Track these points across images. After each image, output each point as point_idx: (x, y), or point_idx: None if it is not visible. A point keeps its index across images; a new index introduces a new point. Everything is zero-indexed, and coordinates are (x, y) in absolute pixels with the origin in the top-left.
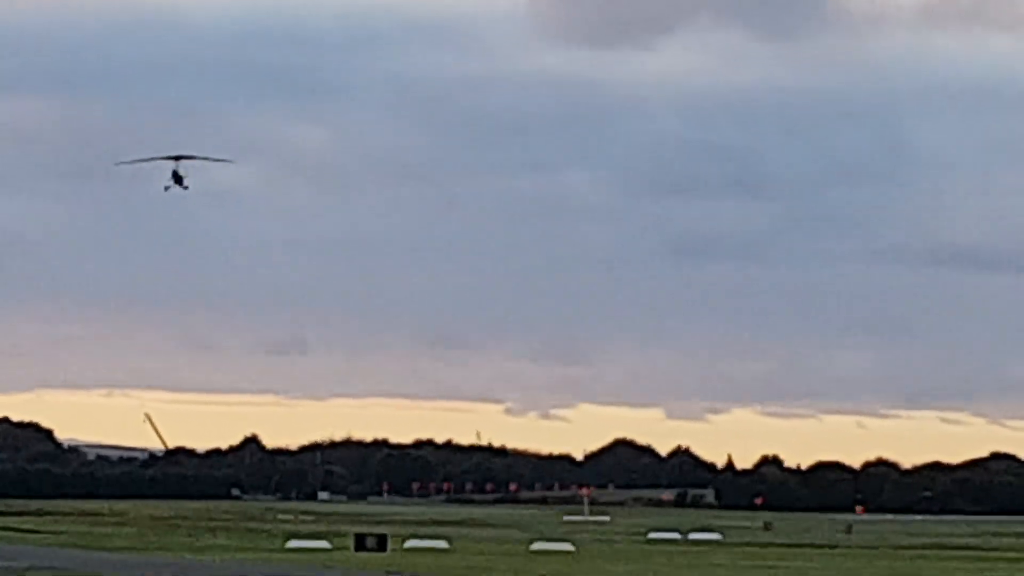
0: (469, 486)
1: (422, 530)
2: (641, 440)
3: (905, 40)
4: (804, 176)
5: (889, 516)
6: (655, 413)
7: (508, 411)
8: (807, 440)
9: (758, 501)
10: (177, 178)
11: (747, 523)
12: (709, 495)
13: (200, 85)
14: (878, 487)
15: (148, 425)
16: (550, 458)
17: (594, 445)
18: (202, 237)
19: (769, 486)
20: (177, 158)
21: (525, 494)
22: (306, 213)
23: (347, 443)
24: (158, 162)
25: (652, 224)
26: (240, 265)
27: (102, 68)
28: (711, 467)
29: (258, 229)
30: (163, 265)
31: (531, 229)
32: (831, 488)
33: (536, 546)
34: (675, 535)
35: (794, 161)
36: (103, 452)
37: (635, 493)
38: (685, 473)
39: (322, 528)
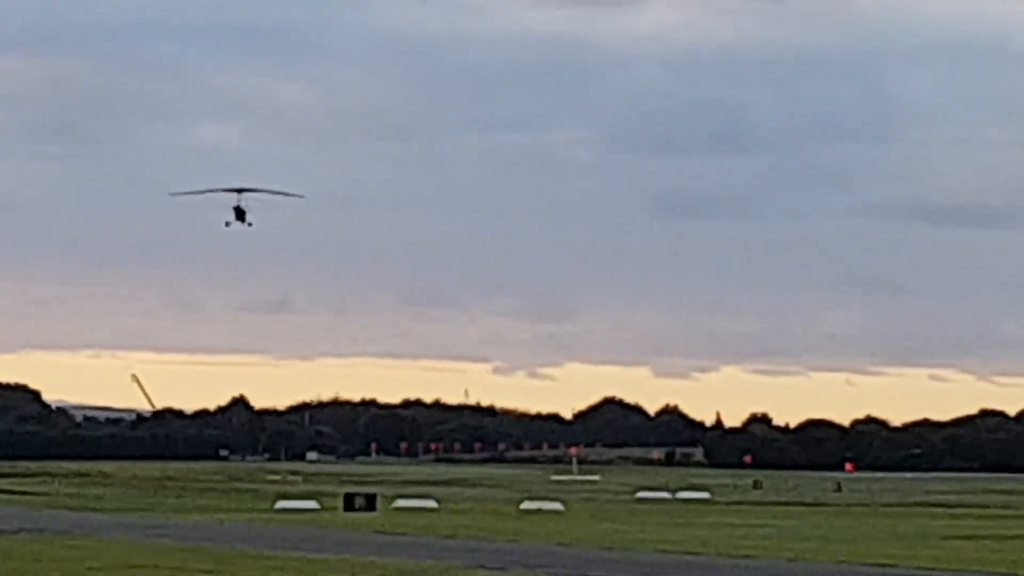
0: (457, 446)
1: (411, 490)
2: (629, 399)
3: None
4: (791, 132)
5: (879, 474)
6: (643, 371)
7: (496, 370)
8: (796, 398)
9: (747, 459)
10: (239, 214)
11: (736, 482)
12: (698, 454)
13: (184, 43)
14: (867, 445)
15: (136, 386)
16: (538, 417)
17: (582, 404)
18: (182, 205)
19: (758, 444)
20: (239, 191)
21: (513, 453)
22: (290, 170)
23: (335, 403)
24: (216, 195)
25: (638, 180)
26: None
27: (86, 27)
28: (700, 425)
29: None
30: (149, 225)
31: (517, 186)
32: (820, 446)
33: (525, 505)
34: (664, 494)
35: (781, 117)
36: (91, 413)
37: (624, 452)
38: (674, 432)
39: (311, 488)
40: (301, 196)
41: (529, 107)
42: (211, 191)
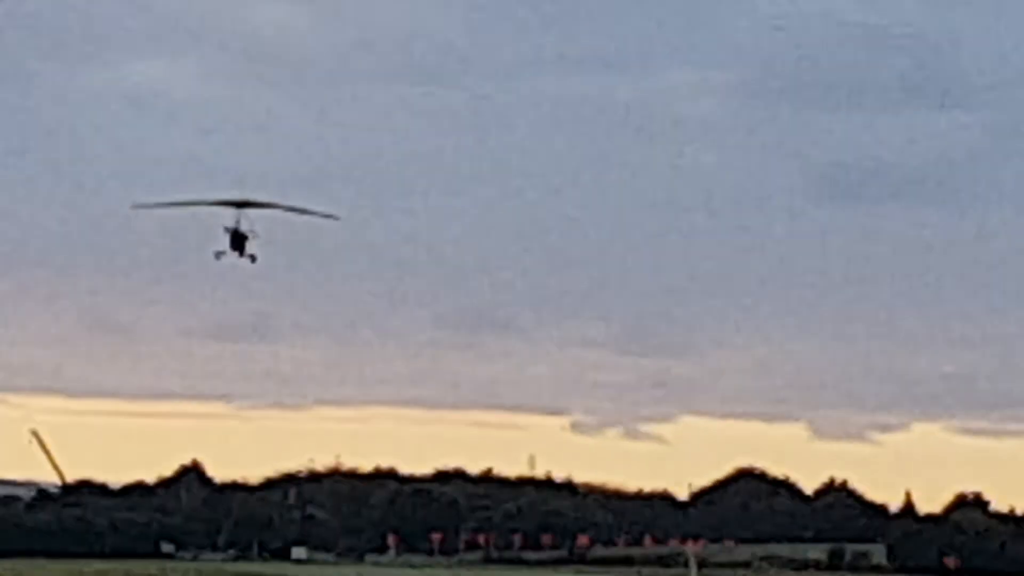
0: (517, 538)
1: None
2: (775, 471)
3: None
4: (1016, 79)
5: None
6: (796, 430)
7: (575, 427)
8: None
9: (951, 563)
10: (237, 240)
11: None
12: (878, 553)
13: None
14: None
15: (36, 447)
16: (639, 497)
17: (704, 478)
18: (115, 166)
19: (968, 541)
20: (240, 205)
21: (600, 551)
22: (268, 126)
23: (334, 474)
24: (202, 208)
25: (789, 147)
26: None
27: None
28: (881, 511)
29: (197, 150)
30: (57, 211)
31: (607, 155)
32: None
33: None
34: None
35: (1003, 58)
36: None
37: (767, 549)
38: (842, 521)
39: None
40: (335, 217)
41: (625, 39)
42: (194, 203)
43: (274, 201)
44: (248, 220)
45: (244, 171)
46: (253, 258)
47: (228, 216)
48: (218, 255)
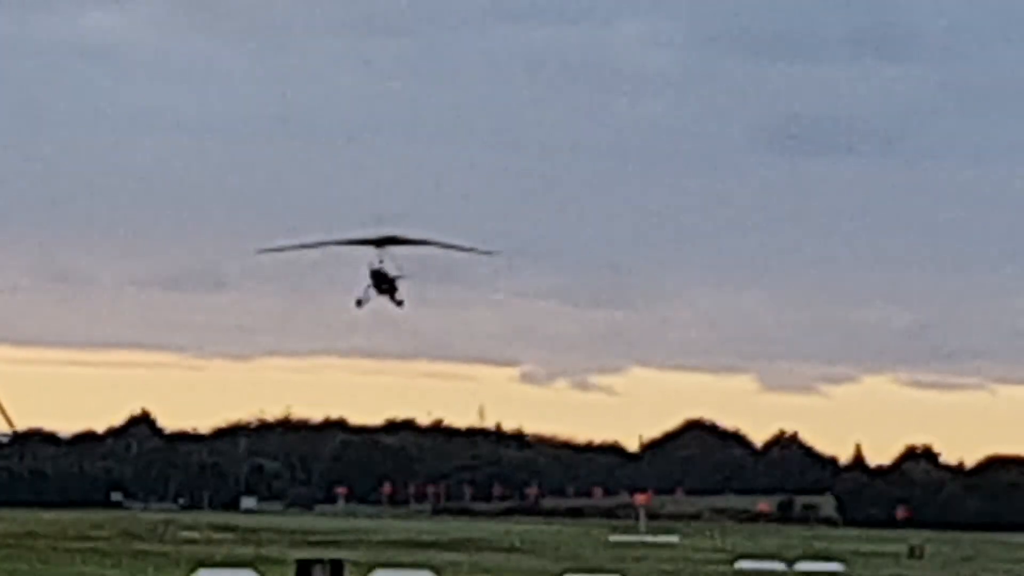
0: (468, 490)
1: (397, 556)
2: (725, 423)
3: None
4: (969, 32)
5: None
6: (745, 382)
7: (525, 377)
8: (974, 424)
9: (901, 514)
10: (383, 282)
11: (885, 548)
12: (827, 505)
13: None
14: None
15: None
16: (589, 449)
17: (654, 430)
18: (64, 116)
19: (918, 492)
20: (379, 243)
21: (550, 502)
22: (217, 77)
23: (284, 425)
24: (333, 248)
25: (740, 99)
26: (120, 157)
27: None
28: (830, 463)
29: (146, 102)
30: (4, 161)
31: (558, 104)
32: (1010, 495)
33: None
34: (777, 565)
35: (955, 10)
36: None
37: (717, 502)
38: (791, 472)
39: (247, 551)
40: (496, 253)
41: None
42: (327, 243)
43: (426, 237)
44: (393, 259)
45: (192, 121)
46: (400, 303)
47: (365, 256)
48: (360, 303)
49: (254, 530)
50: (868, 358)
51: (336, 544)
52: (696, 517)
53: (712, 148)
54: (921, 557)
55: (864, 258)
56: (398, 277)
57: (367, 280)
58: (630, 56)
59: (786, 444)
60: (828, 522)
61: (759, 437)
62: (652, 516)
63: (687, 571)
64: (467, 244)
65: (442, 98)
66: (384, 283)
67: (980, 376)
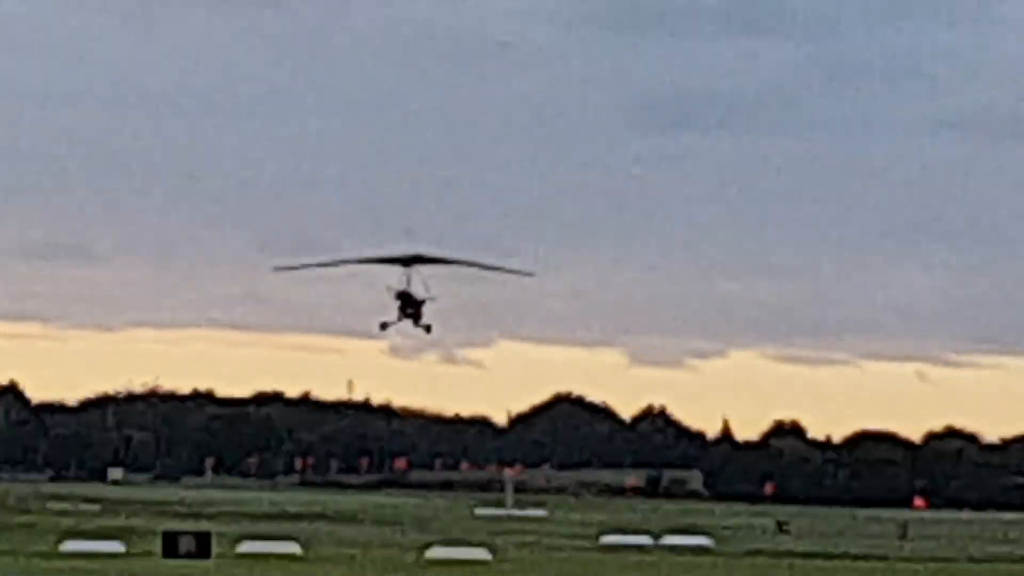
0: (335, 463)
1: (264, 527)
2: (592, 396)
3: None
4: (840, 8)
5: (963, 513)
6: (613, 356)
7: (393, 350)
8: (842, 399)
9: (768, 489)
10: (410, 304)
11: (752, 522)
12: (695, 479)
13: None
14: (948, 470)
15: None
16: (456, 422)
17: (522, 403)
18: None
19: (785, 467)
20: (407, 262)
21: (419, 475)
22: (92, 47)
23: (151, 396)
24: (355, 266)
25: (610, 73)
26: None
27: None
28: (698, 438)
29: (17, 71)
30: None
31: (426, 77)
32: (878, 471)
33: (434, 553)
34: (643, 539)
35: None
36: None
37: (584, 475)
38: (659, 447)
39: (114, 523)
40: (530, 274)
41: None
42: (346, 261)
43: (458, 257)
44: (421, 278)
45: (68, 93)
46: (428, 328)
47: (390, 275)
48: (384, 326)
49: (122, 502)
50: (736, 333)
51: (203, 516)
52: (564, 491)
53: (582, 121)
54: (787, 532)
55: (732, 233)
56: (427, 300)
57: (395, 302)
58: (505, 31)
59: (654, 418)
60: (696, 496)
61: (627, 411)
62: (520, 490)
63: (553, 545)
64: (498, 263)
65: (313, 73)
66: (410, 306)
67: (848, 352)
